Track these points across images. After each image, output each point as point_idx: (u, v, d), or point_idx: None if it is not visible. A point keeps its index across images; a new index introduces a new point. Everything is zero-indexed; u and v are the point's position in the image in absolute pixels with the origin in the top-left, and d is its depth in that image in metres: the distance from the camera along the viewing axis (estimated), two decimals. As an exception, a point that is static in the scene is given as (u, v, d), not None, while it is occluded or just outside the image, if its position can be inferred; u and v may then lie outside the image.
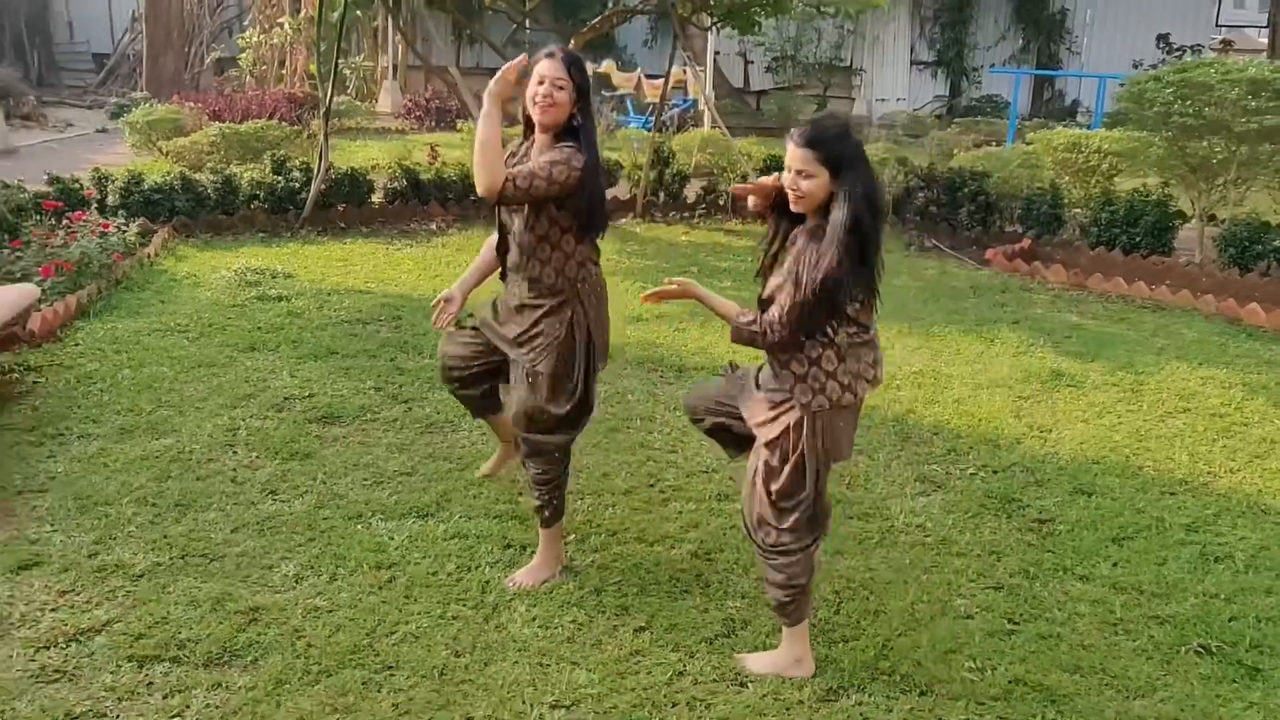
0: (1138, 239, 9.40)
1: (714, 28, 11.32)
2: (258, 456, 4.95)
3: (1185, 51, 21.39)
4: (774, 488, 3.43)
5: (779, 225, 3.52)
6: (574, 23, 12.50)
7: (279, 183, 9.77)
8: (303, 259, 8.69)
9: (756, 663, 3.58)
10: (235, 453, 4.99)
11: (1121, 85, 20.43)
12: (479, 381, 4.25)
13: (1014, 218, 10.41)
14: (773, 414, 3.45)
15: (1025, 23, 22.69)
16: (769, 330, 3.33)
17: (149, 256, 8.22)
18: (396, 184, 10.53)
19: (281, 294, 7.52)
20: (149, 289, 7.54)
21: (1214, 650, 3.71)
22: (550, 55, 3.73)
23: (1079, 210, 10.06)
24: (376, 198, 10.48)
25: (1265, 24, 23.57)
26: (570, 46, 10.48)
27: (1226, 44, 22.29)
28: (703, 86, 15.33)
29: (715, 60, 19.46)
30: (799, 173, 3.28)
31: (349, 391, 5.78)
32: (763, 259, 3.54)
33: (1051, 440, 5.50)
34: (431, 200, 10.58)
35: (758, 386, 3.55)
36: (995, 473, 5.10)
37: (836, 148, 3.26)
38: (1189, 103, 8.73)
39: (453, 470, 4.87)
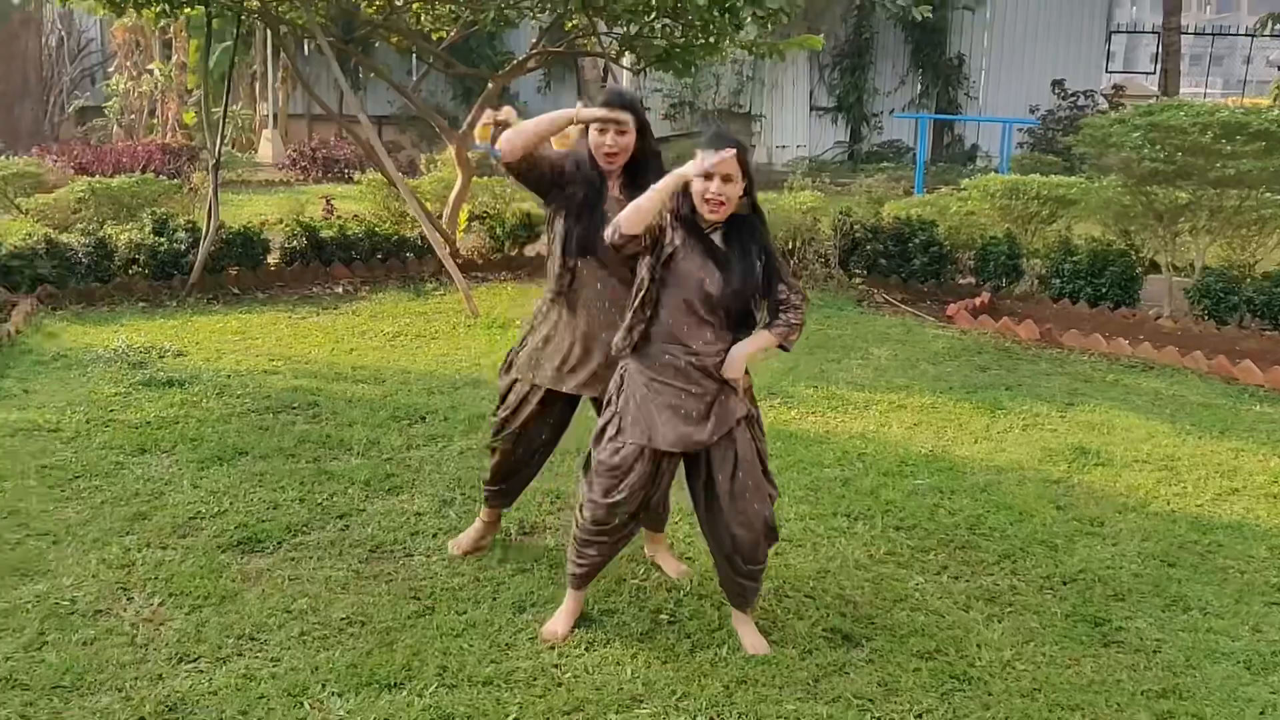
0: (1103, 290, 8.85)
1: (644, 71, 10.53)
2: (161, 604, 3.86)
3: (1079, 96, 21.47)
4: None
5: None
6: (483, 67, 11.55)
7: (161, 244, 8.59)
8: (194, 332, 7.54)
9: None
10: (131, 599, 3.89)
11: (1022, 130, 20.45)
12: None
13: (967, 269, 9.81)
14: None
15: (924, 68, 22.51)
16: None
17: (9, 334, 6.98)
18: (294, 243, 9.42)
19: (173, 377, 6.38)
20: (9, 375, 6.33)
21: None
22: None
23: (1038, 260, 9.48)
24: (273, 259, 9.36)
25: (1153, 70, 24.01)
26: (489, 89, 9.61)
27: (1118, 89, 22.48)
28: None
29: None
30: (726, 178, 3.42)
31: (267, 505, 4.71)
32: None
33: (1109, 537, 4.72)
34: (335, 260, 9.49)
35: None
36: (1064, 584, 4.29)
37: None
38: (1158, 146, 8.21)
39: (418, 614, 3.85)
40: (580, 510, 3.69)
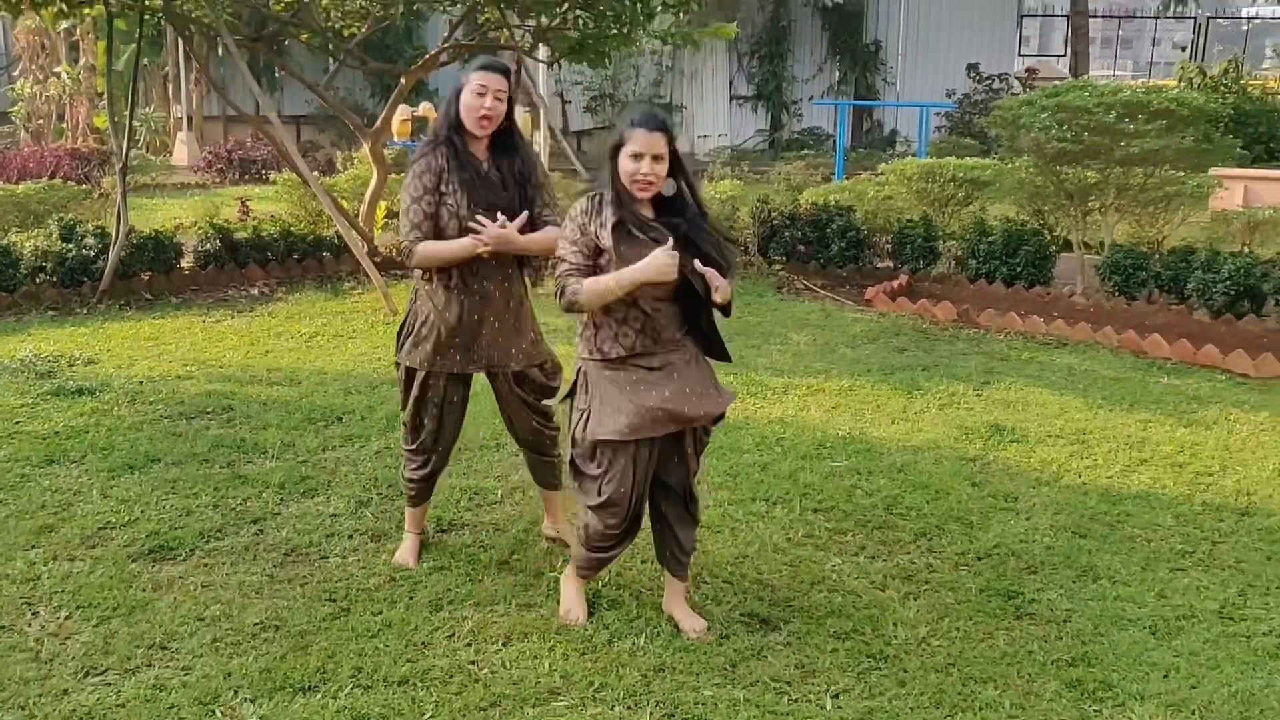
0: (1018, 270, 9.00)
1: (555, 63, 10.49)
2: (68, 617, 3.78)
3: (994, 80, 21.81)
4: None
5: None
6: (400, 63, 11.40)
7: (69, 251, 8.39)
8: (105, 340, 7.37)
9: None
10: (37, 614, 3.80)
11: (940, 114, 20.68)
12: None
13: (885, 252, 9.91)
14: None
15: (841, 54, 22.73)
16: None
17: (-91, 349, 6.80)
18: (208, 246, 9.24)
19: (83, 386, 6.24)
20: (-90, 390, 6.16)
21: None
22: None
23: (954, 242, 9.60)
24: (186, 263, 9.18)
25: (1064, 53, 24.44)
26: (402, 84, 9.51)
27: (1031, 72, 22.87)
28: (537, 123, 14.46)
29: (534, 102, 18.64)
30: (656, 157, 3.39)
31: (180, 512, 4.63)
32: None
33: (1022, 512, 4.81)
34: (250, 262, 9.34)
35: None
36: (979, 559, 4.36)
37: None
38: (1065, 127, 8.36)
39: (333, 616, 3.81)
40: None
